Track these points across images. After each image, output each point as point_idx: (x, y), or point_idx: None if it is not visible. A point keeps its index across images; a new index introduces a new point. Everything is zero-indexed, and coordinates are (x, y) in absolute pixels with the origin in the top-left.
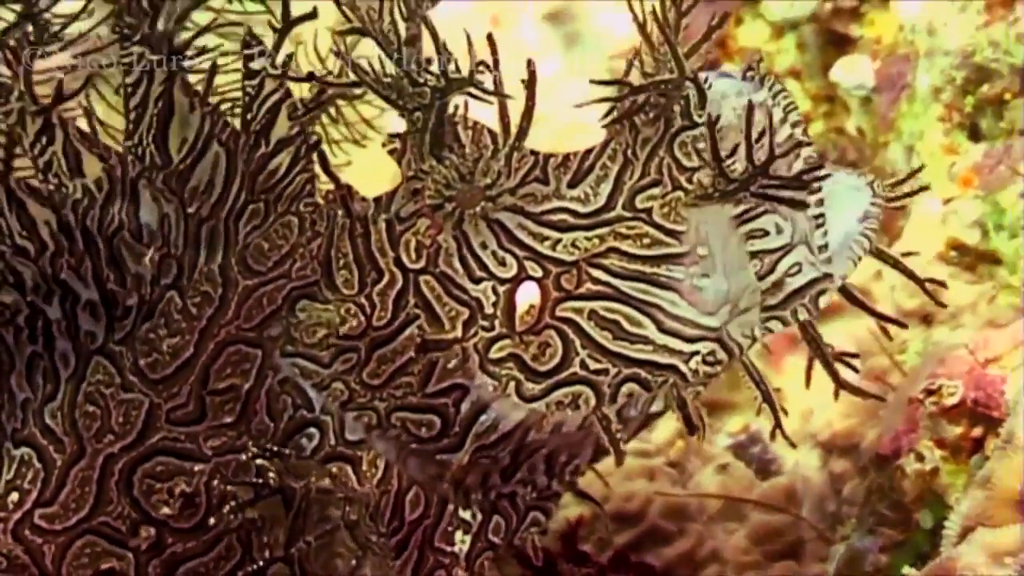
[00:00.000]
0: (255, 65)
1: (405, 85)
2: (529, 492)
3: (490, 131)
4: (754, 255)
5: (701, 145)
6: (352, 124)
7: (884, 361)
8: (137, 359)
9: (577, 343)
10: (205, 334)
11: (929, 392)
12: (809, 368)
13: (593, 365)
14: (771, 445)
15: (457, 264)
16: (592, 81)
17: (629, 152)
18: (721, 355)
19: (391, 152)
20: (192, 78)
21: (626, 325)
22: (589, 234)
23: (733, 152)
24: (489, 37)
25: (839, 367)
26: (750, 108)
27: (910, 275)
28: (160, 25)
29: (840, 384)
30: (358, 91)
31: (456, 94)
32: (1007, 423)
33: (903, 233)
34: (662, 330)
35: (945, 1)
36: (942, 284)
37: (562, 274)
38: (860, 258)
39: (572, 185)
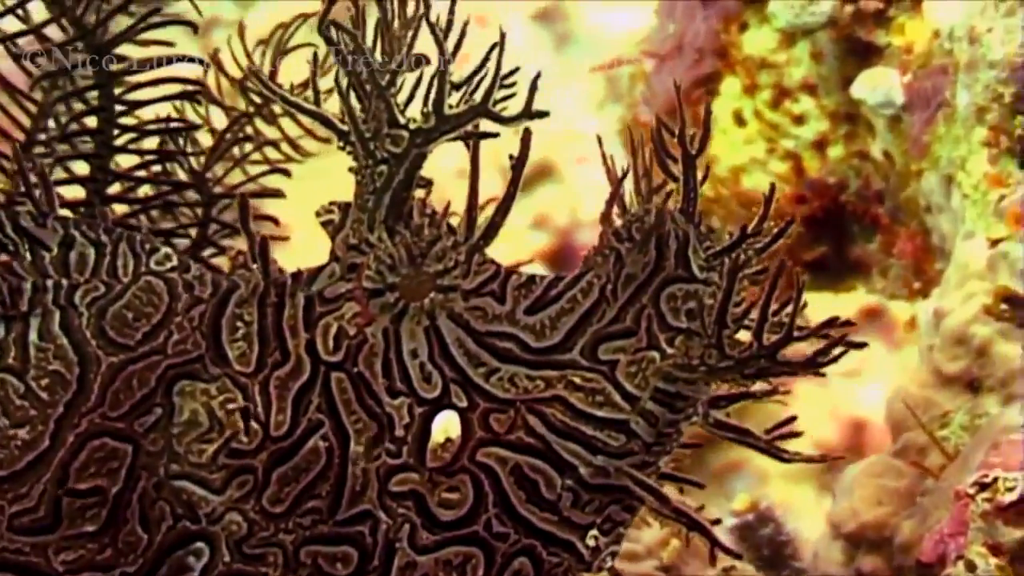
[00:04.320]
0: None
1: (383, 123)
2: None
3: (450, 226)
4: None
5: (692, 306)
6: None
7: (920, 438)
8: None
9: (490, 498)
10: (63, 424)
11: (981, 486)
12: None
13: (496, 527)
14: (785, 524)
15: (378, 368)
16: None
17: (607, 289)
18: (620, 515)
19: (325, 224)
20: None
21: (543, 489)
22: (534, 373)
23: (738, 321)
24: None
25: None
26: (773, 279)
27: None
28: None
29: (787, 461)
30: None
31: (445, 139)
32: None
33: (942, 280)
34: (574, 502)
35: (988, 4)
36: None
37: (492, 411)
38: None
39: (529, 312)
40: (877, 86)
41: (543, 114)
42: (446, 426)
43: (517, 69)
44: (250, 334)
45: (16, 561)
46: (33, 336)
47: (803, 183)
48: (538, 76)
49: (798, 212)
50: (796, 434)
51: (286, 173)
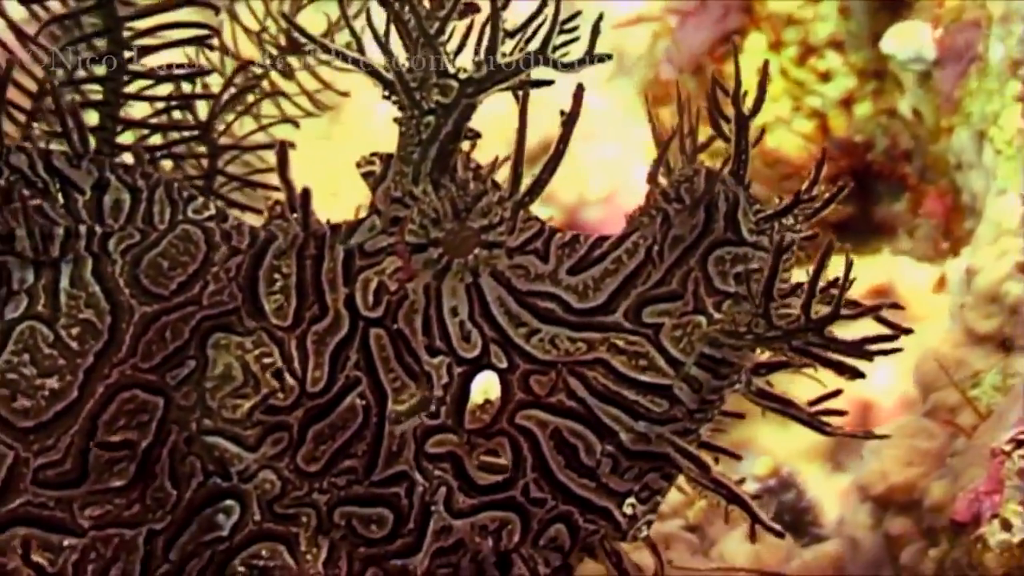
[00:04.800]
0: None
1: (431, 72)
2: None
3: (494, 182)
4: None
5: (741, 269)
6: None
7: (952, 396)
8: None
9: (529, 463)
10: (92, 375)
11: (1018, 443)
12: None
13: (534, 493)
14: (807, 491)
15: (418, 324)
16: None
17: (654, 251)
18: (658, 483)
19: (366, 176)
20: None
21: (583, 454)
22: (575, 335)
23: (788, 296)
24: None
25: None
26: (823, 255)
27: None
28: None
29: (828, 434)
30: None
31: (498, 89)
32: None
33: (972, 239)
34: (614, 468)
35: None
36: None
37: (532, 373)
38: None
39: (573, 272)
40: (908, 41)
41: (606, 57)
42: (485, 387)
43: (578, 13)
44: (288, 287)
45: (40, 516)
46: (64, 283)
47: (829, 142)
48: (600, 18)
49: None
50: (841, 412)
51: (295, 124)
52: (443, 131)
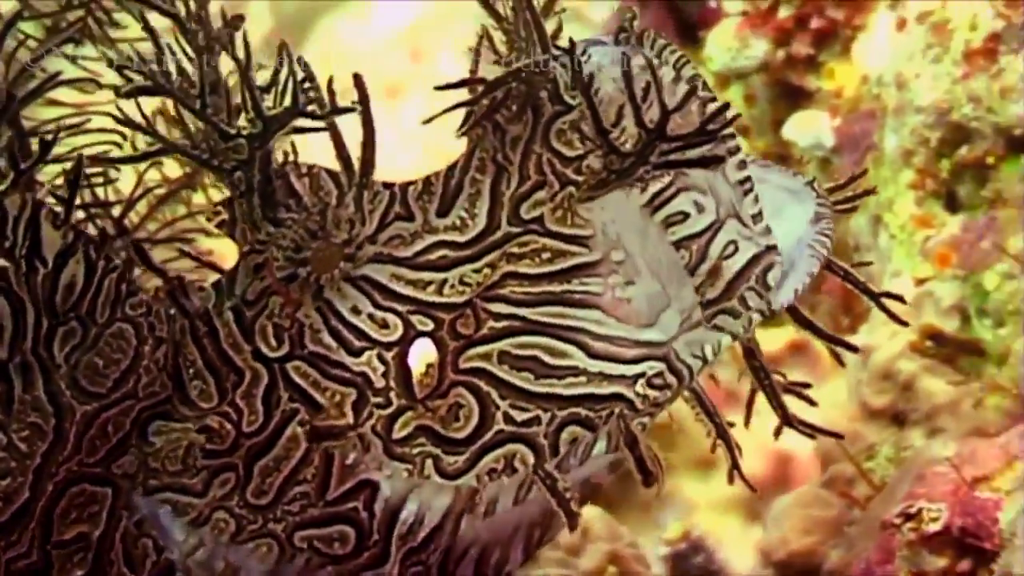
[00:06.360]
0: None
1: (215, 140)
2: None
3: (329, 172)
4: (678, 244)
5: (583, 127)
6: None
7: (847, 469)
8: None
9: (494, 394)
10: (41, 474)
11: (907, 516)
12: (750, 403)
13: (520, 416)
14: (716, 553)
15: (328, 339)
16: (437, 87)
17: (500, 157)
18: (669, 378)
19: (219, 226)
20: None
21: (547, 359)
22: (477, 265)
23: (619, 123)
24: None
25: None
26: (628, 70)
27: (865, 290)
28: None
29: (790, 423)
30: None
31: (279, 136)
32: (1002, 557)
33: (869, 316)
34: (592, 355)
35: (916, 50)
36: (900, 299)
37: (456, 319)
38: (825, 257)
39: (442, 213)
40: (808, 129)
41: (351, 110)
42: (423, 355)
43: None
44: (200, 371)
45: None
46: (18, 391)
47: None
48: (358, 77)
49: None
50: (811, 400)
51: (216, 212)
52: (255, 180)
